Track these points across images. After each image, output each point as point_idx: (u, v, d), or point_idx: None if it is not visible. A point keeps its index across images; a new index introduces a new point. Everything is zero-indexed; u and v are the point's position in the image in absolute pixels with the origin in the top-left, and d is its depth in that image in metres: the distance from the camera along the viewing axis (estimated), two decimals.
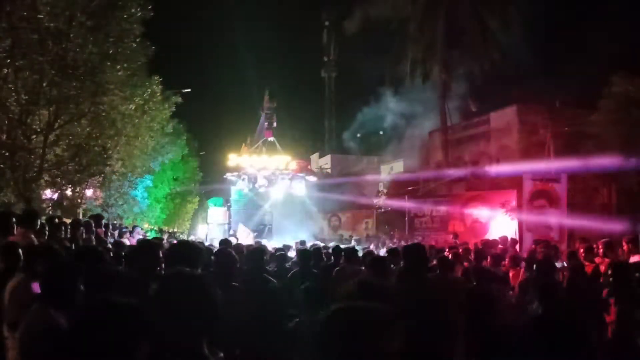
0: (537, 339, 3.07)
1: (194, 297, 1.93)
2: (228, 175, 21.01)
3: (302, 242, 11.09)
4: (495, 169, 19.52)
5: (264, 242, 12.26)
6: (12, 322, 3.24)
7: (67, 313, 2.72)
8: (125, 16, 12.60)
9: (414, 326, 1.90)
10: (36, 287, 3.29)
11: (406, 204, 18.90)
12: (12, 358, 3.20)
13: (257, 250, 4.68)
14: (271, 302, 4.37)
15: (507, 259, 7.56)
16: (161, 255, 3.97)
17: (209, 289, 2.00)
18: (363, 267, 5.69)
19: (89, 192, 16.56)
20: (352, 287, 2.72)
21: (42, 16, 11.07)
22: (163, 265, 3.94)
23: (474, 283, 5.74)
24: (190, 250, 3.57)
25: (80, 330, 1.65)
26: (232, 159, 20.23)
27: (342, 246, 7.53)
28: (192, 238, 23.83)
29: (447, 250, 8.33)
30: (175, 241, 10.96)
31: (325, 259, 7.11)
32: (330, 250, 7.77)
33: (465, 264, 6.98)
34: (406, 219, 18.93)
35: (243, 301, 4.06)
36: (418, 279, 4.10)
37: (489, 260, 7.04)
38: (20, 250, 3.99)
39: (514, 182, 17.80)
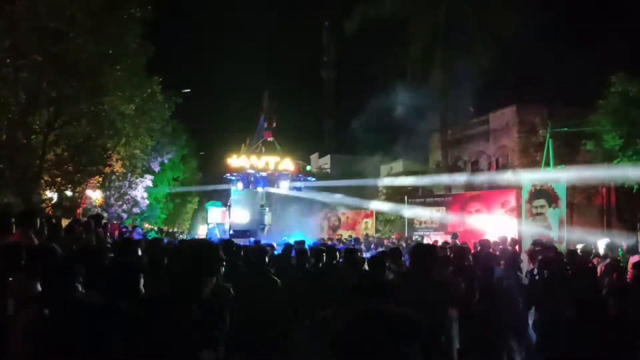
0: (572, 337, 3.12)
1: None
2: (228, 176, 21.03)
3: (301, 242, 11.05)
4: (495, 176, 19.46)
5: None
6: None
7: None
8: (125, 16, 12.60)
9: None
10: (34, 287, 3.30)
11: (404, 207, 18.89)
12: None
13: (259, 249, 4.70)
14: (272, 299, 4.38)
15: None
16: (140, 252, 3.99)
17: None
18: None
19: (88, 192, 16.55)
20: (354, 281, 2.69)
21: (41, 16, 11.06)
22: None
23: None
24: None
25: (53, 327, 1.65)
26: (232, 159, 20.27)
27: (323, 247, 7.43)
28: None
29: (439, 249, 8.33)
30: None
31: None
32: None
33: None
34: (405, 219, 18.93)
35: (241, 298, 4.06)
36: (422, 279, 4.12)
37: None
38: (20, 251, 3.99)
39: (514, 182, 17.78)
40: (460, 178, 21.94)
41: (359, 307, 1.49)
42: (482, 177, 20.85)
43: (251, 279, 4.64)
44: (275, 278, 4.84)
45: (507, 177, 17.26)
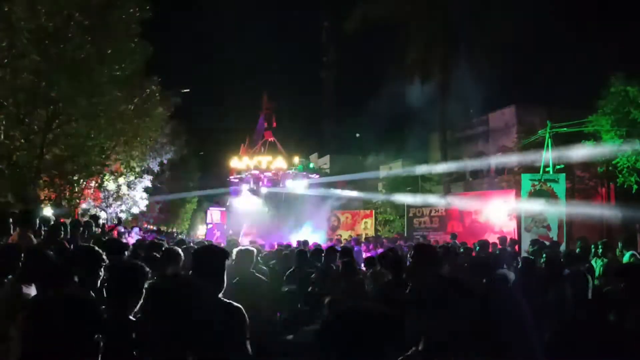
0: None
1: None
2: (231, 179, 21.02)
3: (305, 243, 11.04)
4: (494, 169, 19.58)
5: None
6: (2, 334, 3.05)
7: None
8: (123, 16, 12.58)
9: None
10: (28, 290, 3.27)
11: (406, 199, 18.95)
12: None
13: (247, 251, 4.68)
14: (261, 301, 4.37)
15: None
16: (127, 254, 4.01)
17: None
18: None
19: (86, 205, 16.49)
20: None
21: (39, 16, 11.04)
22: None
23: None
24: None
25: (34, 321, 1.67)
26: (234, 162, 20.32)
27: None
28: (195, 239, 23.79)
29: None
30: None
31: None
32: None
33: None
34: (405, 219, 18.93)
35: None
36: (423, 278, 4.12)
37: None
38: (17, 252, 3.97)
39: (513, 182, 17.82)
40: (458, 165, 22.08)
41: (342, 306, 1.56)
42: (474, 163, 20.95)
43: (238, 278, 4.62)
44: (261, 276, 4.86)
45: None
